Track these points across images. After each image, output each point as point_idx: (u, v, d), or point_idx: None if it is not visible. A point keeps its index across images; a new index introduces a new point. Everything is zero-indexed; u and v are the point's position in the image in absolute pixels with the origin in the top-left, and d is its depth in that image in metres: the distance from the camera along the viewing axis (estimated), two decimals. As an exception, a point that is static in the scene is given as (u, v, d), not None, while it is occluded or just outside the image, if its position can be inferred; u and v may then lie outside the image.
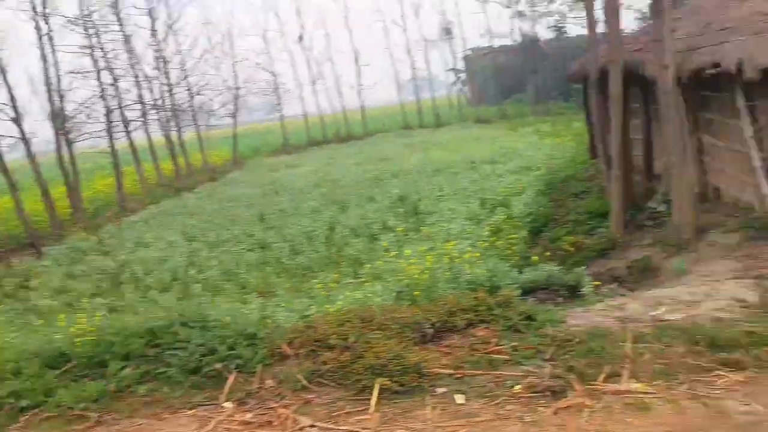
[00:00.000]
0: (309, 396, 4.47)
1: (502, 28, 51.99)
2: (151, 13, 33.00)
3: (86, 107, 24.10)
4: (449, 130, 37.66)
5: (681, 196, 8.82)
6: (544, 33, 48.20)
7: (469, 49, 53.45)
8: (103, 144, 26.07)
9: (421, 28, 49.74)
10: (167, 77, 33.77)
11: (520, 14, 49.17)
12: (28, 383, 4.78)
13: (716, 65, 7.94)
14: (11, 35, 22.61)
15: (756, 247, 7.79)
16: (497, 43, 50.41)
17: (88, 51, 25.16)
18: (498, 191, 15.18)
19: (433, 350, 4.93)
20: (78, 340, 5.33)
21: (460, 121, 43.15)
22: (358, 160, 26.93)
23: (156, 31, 33.33)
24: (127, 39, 29.53)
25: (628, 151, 11.16)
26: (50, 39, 22.71)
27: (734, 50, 7.83)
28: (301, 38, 47.32)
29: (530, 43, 46.48)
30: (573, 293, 7.43)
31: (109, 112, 25.20)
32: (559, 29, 47.50)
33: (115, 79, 26.63)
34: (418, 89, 50.80)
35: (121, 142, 27.34)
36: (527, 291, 7.39)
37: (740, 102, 8.13)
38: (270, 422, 4.22)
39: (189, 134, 37.32)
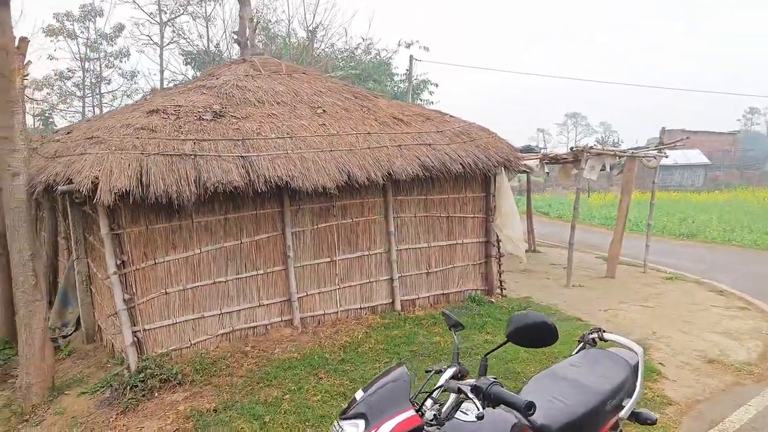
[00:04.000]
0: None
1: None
2: None
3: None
4: None
5: (30, 344, 6.59)
6: (30, 121, 43.17)
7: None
8: None
9: None
10: None
11: None
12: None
13: (70, 181, 6.19)
14: None
15: (104, 416, 6.04)
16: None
17: None
18: None
19: None
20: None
21: None
22: None
23: None
24: None
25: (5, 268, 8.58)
26: None
27: (92, 165, 6.26)
28: None
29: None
30: None
31: None
32: (46, 119, 43.30)
33: None
34: None
35: None
36: None
37: (104, 228, 6.53)
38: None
39: None
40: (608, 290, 11.04)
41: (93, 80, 41.04)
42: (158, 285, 6.95)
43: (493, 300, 9.25)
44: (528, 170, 12.65)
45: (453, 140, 8.77)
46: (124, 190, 6.12)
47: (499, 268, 9.72)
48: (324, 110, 8.55)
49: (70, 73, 40.16)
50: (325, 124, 8.13)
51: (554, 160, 12.55)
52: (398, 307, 8.63)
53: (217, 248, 7.31)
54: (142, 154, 6.51)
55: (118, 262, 6.61)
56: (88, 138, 6.88)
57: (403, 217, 8.74)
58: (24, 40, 6.63)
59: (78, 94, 42.05)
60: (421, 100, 33.83)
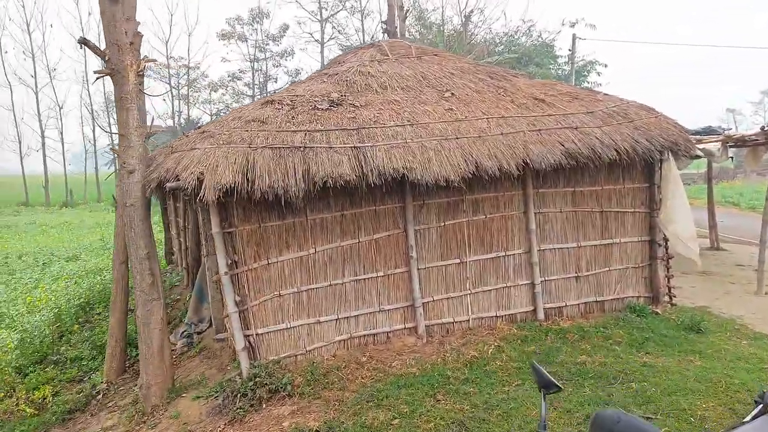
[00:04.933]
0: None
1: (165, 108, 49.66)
2: None
3: None
4: (72, 211, 32.56)
5: (148, 344, 6.51)
6: (207, 119, 47.07)
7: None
8: None
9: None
10: None
11: (183, 97, 47.58)
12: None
13: (177, 177, 5.93)
14: None
15: (213, 424, 5.73)
16: (158, 123, 47.92)
17: None
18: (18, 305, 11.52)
19: None
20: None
21: (97, 201, 38.22)
22: None
23: None
24: None
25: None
26: None
27: (199, 160, 5.96)
28: None
29: (192, 126, 44.60)
30: None
31: None
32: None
33: None
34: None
35: None
36: None
37: (215, 227, 6.23)
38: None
39: None
40: (814, 300, 8.92)
41: (261, 79, 43.55)
42: (271, 286, 6.54)
43: (658, 311, 7.75)
44: (707, 155, 10.70)
45: (606, 122, 7.43)
46: (229, 186, 5.74)
47: (667, 272, 8.16)
48: (452, 93, 7.64)
49: (241, 74, 43.00)
50: (452, 109, 7.23)
51: (740, 142, 10.47)
52: (541, 315, 7.50)
53: (333, 248, 6.75)
54: (249, 147, 6.10)
55: (229, 261, 6.28)
56: (201, 132, 6.63)
57: (547, 213, 7.58)
58: (137, 35, 6.52)
59: (248, 93, 44.90)
60: (588, 83, 31.42)
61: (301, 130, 6.44)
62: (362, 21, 38.38)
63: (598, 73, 31.81)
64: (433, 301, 7.17)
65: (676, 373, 5.74)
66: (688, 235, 7.90)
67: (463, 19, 30.65)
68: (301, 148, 6.18)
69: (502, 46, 30.85)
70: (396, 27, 21.28)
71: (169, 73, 42.33)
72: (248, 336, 6.40)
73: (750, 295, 9.22)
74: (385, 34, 21.74)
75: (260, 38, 44.44)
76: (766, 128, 9.57)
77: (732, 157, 11.50)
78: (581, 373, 5.81)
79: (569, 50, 28.28)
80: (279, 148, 6.15)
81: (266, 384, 5.96)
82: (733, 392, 5.30)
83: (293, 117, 6.72)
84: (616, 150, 7.11)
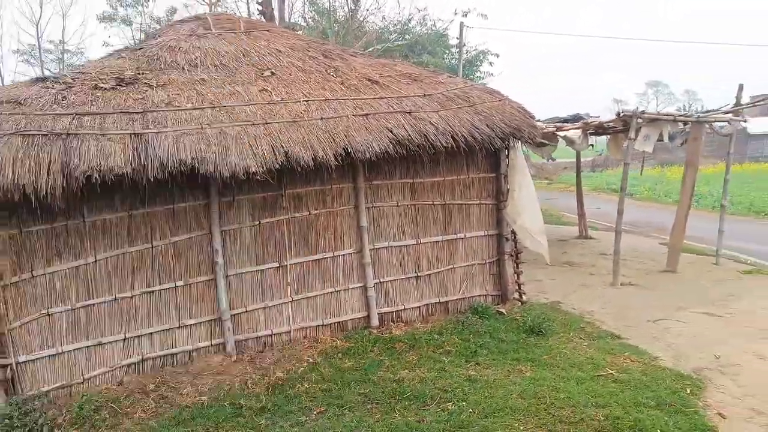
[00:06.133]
0: None
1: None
2: None
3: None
4: None
5: None
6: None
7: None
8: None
9: None
10: None
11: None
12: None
13: None
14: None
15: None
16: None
17: None
18: None
19: None
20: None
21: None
22: None
23: None
24: None
25: None
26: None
27: None
28: None
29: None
30: None
31: None
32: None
33: None
34: None
35: None
36: None
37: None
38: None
39: None
40: (666, 290, 8.71)
41: (145, 66, 40.90)
42: (38, 304, 5.38)
43: (503, 311, 7.18)
44: (568, 143, 10.37)
45: (444, 106, 6.73)
46: (-47, 183, 4.55)
47: (517, 267, 7.63)
48: (273, 72, 6.70)
49: (123, 60, 40.21)
50: (266, 90, 6.30)
51: (600, 129, 10.20)
52: (375, 322, 6.74)
53: (118, 254, 5.66)
54: (-9, 134, 4.91)
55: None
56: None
57: (382, 207, 6.82)
58: None
59: (133, 80, 42.05)
60: (480, 73, 31.30)
61: (68, 114, 5.30)
62: (248, 6, 36.67)
63: (491, 63, 31.73)
64: (247, 312, 6.23)
65: (500, 387, 5.10)
66: (536, 228, 7.40)
67: (351, 5, 29.74)
68: (63, 136, 5.05)
69: (396, 34, 30.23)
70: (273, 9, 19.95)
71: (41, 56, 38.85)
72: (6, 366, 5.22)
73: (606, 287, 8.92)
74: (261, 17, 20.33)
75: (146, 22, 41.71)
76: (622, 115, 9.26)
77: (592, 145, 11.29)
78: (396, 392, 5.05)
79: (456, 38, 28.03)
80: (32, 135, 4.99)
81: (17, 427, 4.82)
82: (557, 409, 4.71)
83: (64, 98, 5.55)
84: (452, 137, 6.42)
